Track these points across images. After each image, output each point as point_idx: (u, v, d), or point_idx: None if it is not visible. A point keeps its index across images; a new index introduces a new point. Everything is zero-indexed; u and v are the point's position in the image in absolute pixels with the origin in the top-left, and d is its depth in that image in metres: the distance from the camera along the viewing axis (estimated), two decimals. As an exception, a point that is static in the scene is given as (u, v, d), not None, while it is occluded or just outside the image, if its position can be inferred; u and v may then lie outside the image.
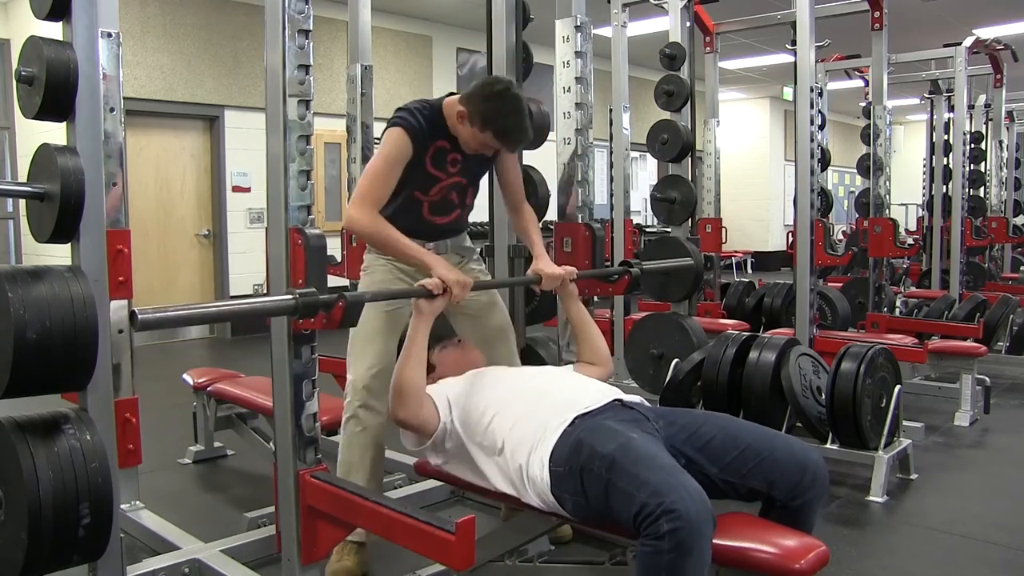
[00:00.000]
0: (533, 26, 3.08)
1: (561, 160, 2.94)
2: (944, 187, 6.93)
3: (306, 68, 1.88)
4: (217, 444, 3.77)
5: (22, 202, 1.83)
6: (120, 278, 2.41)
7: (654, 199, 4.58)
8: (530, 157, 3.07)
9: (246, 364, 5.13)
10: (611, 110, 4.84)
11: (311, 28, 1.88)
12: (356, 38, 3.88)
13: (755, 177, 13.87)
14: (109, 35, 2.53)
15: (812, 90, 3.84)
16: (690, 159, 4.61)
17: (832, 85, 8.44)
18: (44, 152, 1.71)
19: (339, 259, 4.08)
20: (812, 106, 3.83)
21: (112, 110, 2.56)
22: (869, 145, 5.51)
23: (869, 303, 5.30)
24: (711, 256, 5.55)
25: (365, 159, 3.73)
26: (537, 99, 3.09)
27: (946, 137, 7.23)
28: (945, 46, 6.70)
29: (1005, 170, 8.41)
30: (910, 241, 7.44)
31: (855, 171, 8.22)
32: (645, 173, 12.37)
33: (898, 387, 3.34)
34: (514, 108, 2.26)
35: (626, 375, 4.33)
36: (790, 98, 8.54)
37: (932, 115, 7.67)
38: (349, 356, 2.49)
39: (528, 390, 2.04)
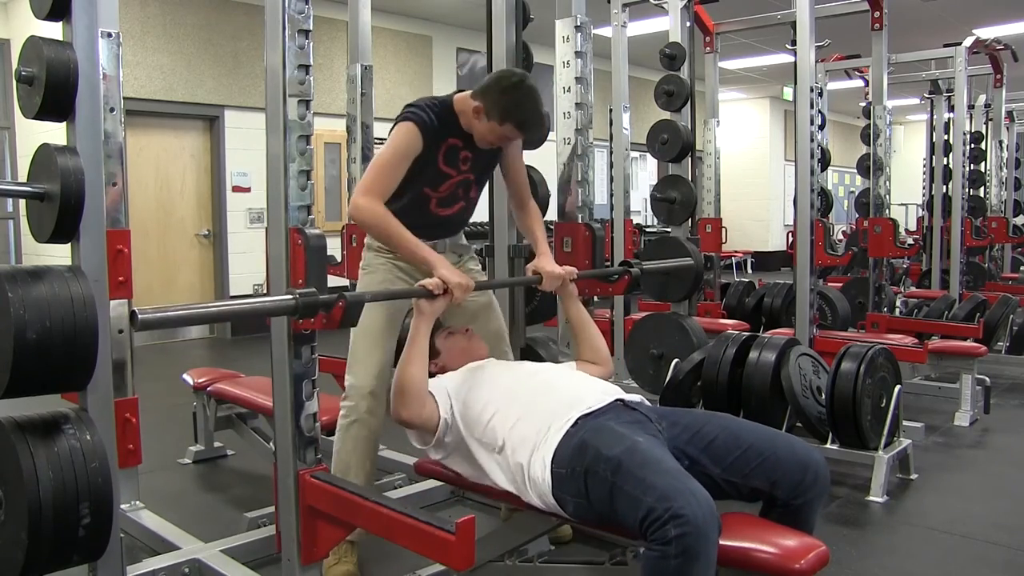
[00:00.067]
0: (533, 26, 3.07)
1: (561, 160, 2.94)
2: (944, 187, 6.93)
3: (306, 68, 1.88)
4: (217, 444, 3.77)
5: (22, 202, 1.83)
6: (120, 278, 2.41)
7: (654, 199, 4.58)
8: (530, 157, 3.06)
9: (246, 364, 5.14)
10: (611, 110, 4.84)
11: (311, 28, 1.88)
12: (356, 38, 3.88)
13: (755, 177, 13.87)
14: (109, 35, 2.54)
15: (812, 90, 3.84)
16: (690, 159, 4.61)
17: (832, 85, 8.44)
18: (44, 152, 1.71)
19: (339, 259, 4.08)
20: (812, 106, 3.83)
21: (112, 110, 2.56)
22: (869, 145, 5.50)
23: (869, 303, 5.30)
24: (711, 256, 5.55)
25: (365, 159, 3.73)
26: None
27: (946, 137, 7.23)
28: (945, 46, 6.70)
29: (1005, 170, 8.41)
30: (910, 241, 7.44)
31: (855, 171, 8.22)
32: (645, 173, 12.37)
33: (898, 387, 3.34)
34: (532, 99, 2.27)
35: (626, 375, 4.33)
36: (790, 98, 8.54)
37: (932, 115, 7.67)
38: (351, 357, 2.48)
39: (530, 388, 2.03)
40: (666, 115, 4.72)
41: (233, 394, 3.32)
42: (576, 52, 2.85)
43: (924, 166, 8.42)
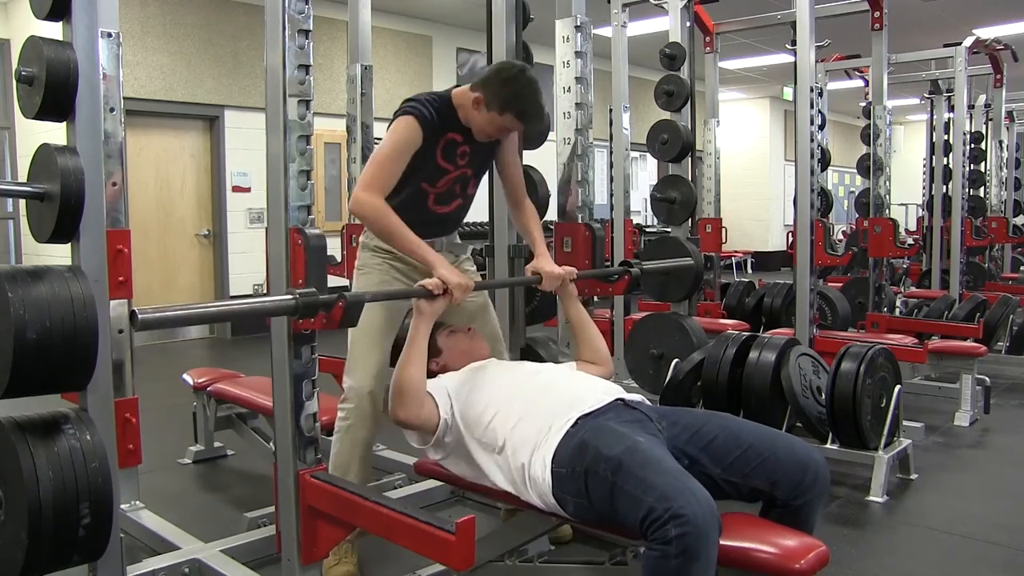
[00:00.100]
0: (533, 26, 3.07)
1: (561, 160, 2.94)
2: (944, 187, 6.93)
3: (306, 68, 1.88)
4: (217, 444, 3.77)
5: (22, 202, 1.83)
6: (120, 278, 2.41)
7: (654, 199, 4.58)
8: (530, 157, 3.07)
9: (246, 364, 5.13)
10: (611, 110, 4.84)
11: (311, 28, 1.88)
12: (356, 38, 3.88)
13: (755, 177, 13.87)
14: (109, 35, 2.54)
15: (812, 90, 3.84)
16: (690, 159, 4.61)
17: (832, 85, 8.44)
18: (44, 152, 1.71)
19: (339, 259, 4.08)
20: (812, 106, 3.82)
21: (112, 110, 2.56)
22: (869, 145, 5.50)
23: (869, 303, 5.30)
24: (711, 256, 5.55)
25: (365, 159, 3.73)
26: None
27: (946, 137, 7.23)
28: (945, 46, 6.69)
29: (1005, 170, 8.41)
30: (910, 241, 7.44)
31: (855, 171, 8.22)
32: (645, 173, 12.37)
33: (898, 387, 3.34)
34: (532, 89, 2.27)
35: (626, 375, 4.33)
36: (790, 98, 8.54)
37: (932, 115, 7.67)
38: (350, 359, 2.48)
39: (531, 389, 2.03)
40: (666, 115, 4.72)
41: (233, 394, 3.32)
42: (576, 52, 2.85)
43: (924, 166, 8.42)
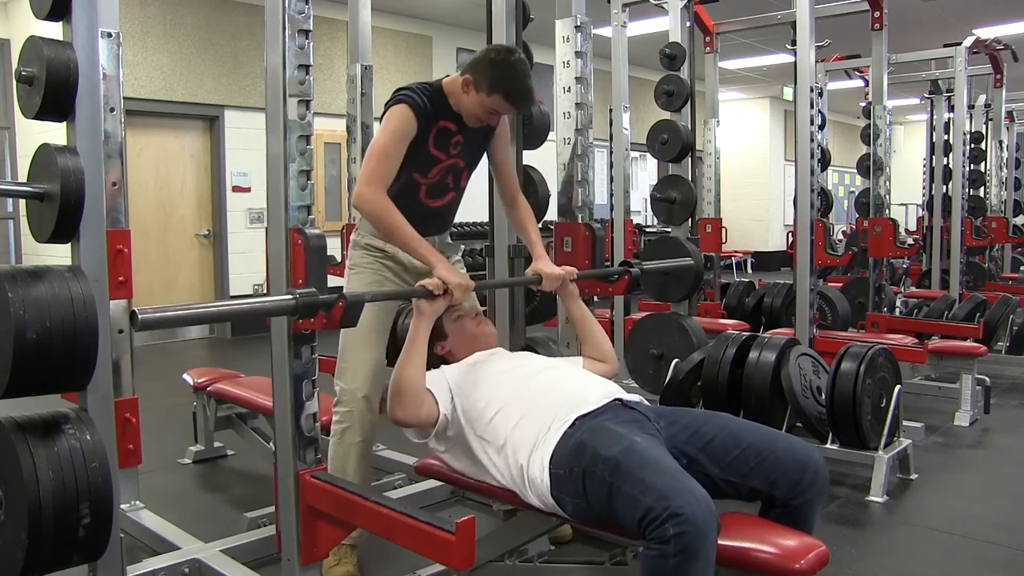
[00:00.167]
0: (533, 26, 3.07)
1: (561, 160, 2.94)
2: (944, 187, 6.93)
3: (306, 68, 1.88)
4: (217, 444, 3.77)
5: (22, 202, 1.83)
6: (120, 278, 2.41)
7: (654, 199, 4.58)
8: (530, 157, 3.07)
9: (246, 364, 5.14)
10: (611, 110, 4.84)
11: (311, 28, 1.88)
12: (356, 38, 3.88)
13: (755, 177, 13.87)
14: (109, 35, 2.54)
15: (812, 90, 3.84)
16: (690, 159, 4.61)
17: (832, 85, 8.44)
18: (44, 152, 1.71)
19: (339, 259, 4.08)
20: (812, 106, 3.82)
21: (112, 110, 2.56)
22: (869, 145, 5.50)
23: (869, 303, 5.30)
24: (711, 256, 5.55)
25: (365, 159, 3.73)
26: (538, 99, 3.09)
27: (946, 137, 7.23)
28: (945, 46, 6.69)
29: (1005, 170, 8.41)
30: (910, 241, 7.44)
31: (855, 171, 8.22)
32: (645, 173, 12.37)
33: (898, 387, 3.34)
34: (520, 71, 2.26)
35: (626, 375, 4.33)
36: (790, 98, 8.54)
37: (932, 115, 7.67)
38: (341, 362, 2.47)
39: (533, 387, 2.02)
40: (666, 115, 4.72)
41: (233, 394, 3.32)
42: (576, 52, 2.85)
43: (924, 166, 8.42)
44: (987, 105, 8.00)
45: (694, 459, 1.84)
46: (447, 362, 2.25)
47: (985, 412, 4.28)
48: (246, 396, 3.24)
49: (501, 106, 2.29)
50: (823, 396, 3.26)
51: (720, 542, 1.59)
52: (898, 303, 6.16)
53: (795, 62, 3.93)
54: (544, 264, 2.43)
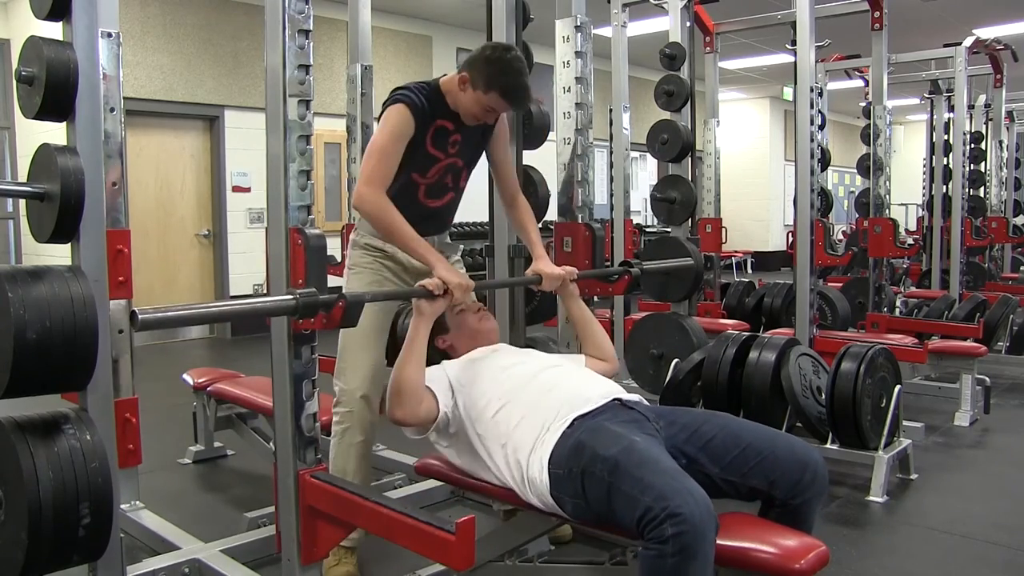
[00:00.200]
0: (533, 26, 3.07)
1: (561, 160, 2.94)
2: (944, 187, 6.93)
3: (306, 68, 1.88)
4: (217, 444, 3.77)
5: (22, 202, 1.83)
6: (120, 278, 2.41)
7: (654, 199, 4.58)
8: (530, 157, 3.07)
9: (246, 364, 5.14)
10: (611, 110, 4.84)
11: (311, 28, 1.88)
12: (356, 38, 3.88)
13: (755, 177, 13.87)
14: (109, 35, 2.54)
15: (812, 90, 3.84)
16: (690, 159, 4.61)
17: (832, 85, 8.44)
18: (44, 152, 1.71)
19: (339, 259, 4.07)
20: (812, 106, 3.83)
21: (112, 110, 2.56)
22: (869, 145, 5.50)
23: (869, 303, 5.30)
24: (711, 256, 5.55)
25: (365, 159, 3.72)
26: (537, 99, 3.09)
27: (946, 137, 7.23)
28: (945, 46, 6.69)
29: (1005, 170, 8.41)
30: (910, 241, 7.44)
31: (855, 171, 8.22)
32: (645, 173, 12.37)
33: (898, 387, 3.34)
34: (516, 68, 2.26)
35: (626, 375, 4.33)
36: (790, 98, 8.54)
37: (932, 115, 7.67)
38: (340, 362, 2.47)
39: (534, 387, 2.02)
40: (666, 115, 4.72)
41: (233, 394, 3.32)
42: (576, 52, 2.85)
43: (924, 166, 8.42)
44: (987, 105, 8.00)
45: (694, 459, 1.84)
46: (448, 356, 2.25)
47: (985, 412, 4.28)
48: (246, 396, 3.24)
49: (497, 103, 2.29)
50: (823, 396, 3.26)
51: (720, 542, 1.59)
52: (898, 303, 6.16)
53: (795, 62, 3.93)
54: (544, 264, 2.43)
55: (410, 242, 2.24)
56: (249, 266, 7.40)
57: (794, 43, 3.99)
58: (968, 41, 6.64)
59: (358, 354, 2.44)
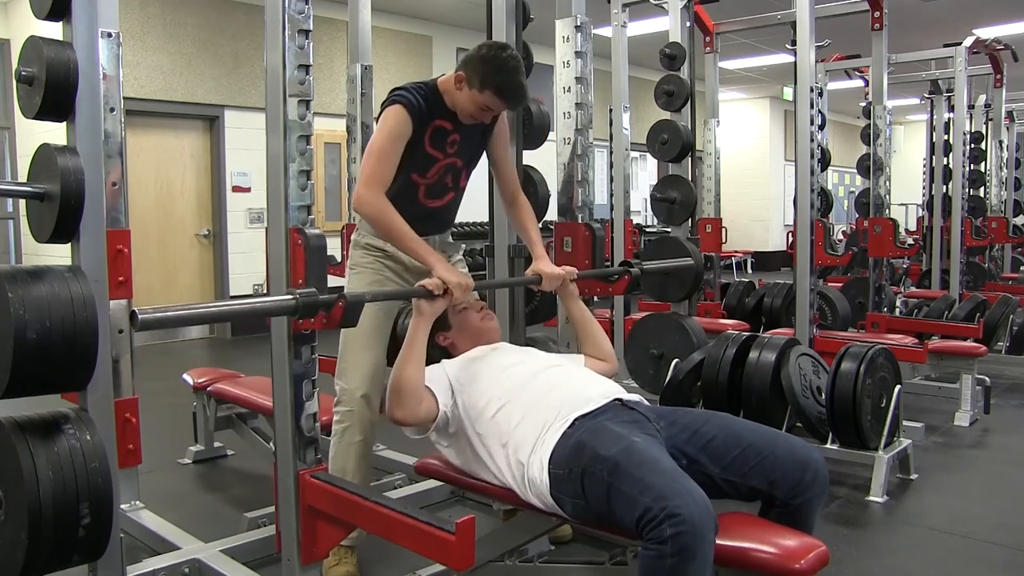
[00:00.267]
0: (533, 26, 3.07)
1: (561, 160, 2.94)
2: (944, 187, 6.93)
3: (306, 68, 1.88)
4: (217, 444, 3.77)
5: (22, 202, 1.83)
6: (120, 278, 2.41)
7: (654, 199, 4.58)
8: (530, 157, 3.07)
9: (246, 364, 5.14)
10: (611, 110, 4.84)
11: (311, 28, 1.88)
12: (356, 38, 3.88)
13: (755, 177, 13.87)
14: (109, 35, 2.54)
15: (812, 90, 3.84)
16: (690, 159, 4.61)
17: (832, 85, 8.44)
18: (44, 152, 1.71)
19: (339, 259, 4.08)
20: (812, 106, 3.83)
21: (112, 110, 2.56)
22: (869, 145, 5.51)
23: (869, 303, 5.30)
24: (711, 256, 5.54)
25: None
26: (537, 99, 3.09)
27: (946, 137, 7.23)
28: (945, 46, 6.69)
29: (1005, 170, 8.41)
30: (910, 241, 7.44)
31: (855, 171, 8.22)
32: (645, 173, 12.37)
33: (898, 387, 3.34)
34: (512, 66, 2.25)
35: (626, 375, 4.33)
36: (790, 98, 8.53)
37: (932, 115, 7.67)
38: (341, 362, 2.47)
39: (534, 386, 2.02)
40: (666, 115, 4.72)
41: (233, 394, 3.32)
42: (576, 52, 2.85)
43: (924, 166, 8.42)
44: (987, 105, 8.00)
45: (694, 459, 1.84)
46: (449, 353, 2.25)
47: (985, 412, 4.28)
48: (246, 396, 3.24)
49: (493, 102, 2.29)
50: (823, 396, 3.26)
51: (720, 542, 1.59)
52: (898, 303, 6.16)
53: (795, 62, 3.93)
54: (544, 264, 2.43)
55: (409, 243, 2.24)
56: (249, 266, 7.40)
57: (794, 43, 3.99)
58: (968, 41, 6.64)
59: (359, 354, 2.44)
